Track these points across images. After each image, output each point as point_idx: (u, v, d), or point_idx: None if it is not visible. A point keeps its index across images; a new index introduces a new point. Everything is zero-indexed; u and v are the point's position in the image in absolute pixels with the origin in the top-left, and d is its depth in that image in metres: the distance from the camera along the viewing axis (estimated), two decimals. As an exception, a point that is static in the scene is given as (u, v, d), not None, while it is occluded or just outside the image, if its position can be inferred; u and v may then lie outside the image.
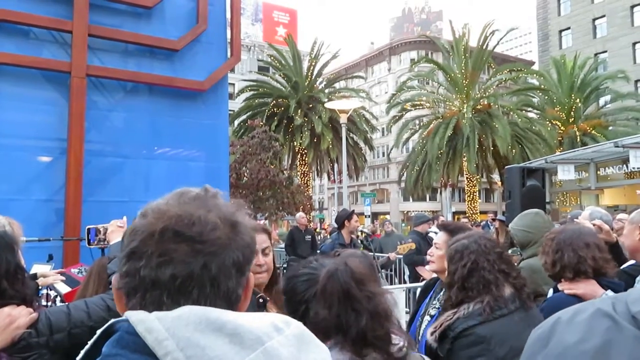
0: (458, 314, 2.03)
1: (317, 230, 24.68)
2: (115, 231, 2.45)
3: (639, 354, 0.68)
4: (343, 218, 6.81)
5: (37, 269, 2.86)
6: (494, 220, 11.03)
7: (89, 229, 2.92)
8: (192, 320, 0.72)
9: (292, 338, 0.77)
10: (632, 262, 2.79)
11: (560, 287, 2.38)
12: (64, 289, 2.60)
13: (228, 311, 0.76)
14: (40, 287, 2.59)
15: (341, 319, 1.41)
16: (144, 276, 0.77)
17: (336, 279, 1.44)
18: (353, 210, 7.08)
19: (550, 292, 2.54)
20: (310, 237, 10.80)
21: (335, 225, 7.81)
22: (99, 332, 0.77)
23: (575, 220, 4.00)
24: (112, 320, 0.77)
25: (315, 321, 1.41)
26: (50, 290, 2.63)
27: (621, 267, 2.78)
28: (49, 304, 2.61)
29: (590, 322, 0.73)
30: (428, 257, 2.81)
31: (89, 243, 2.92)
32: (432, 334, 2.07)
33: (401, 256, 7.38)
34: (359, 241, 7.30)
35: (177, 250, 0.77)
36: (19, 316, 1.68)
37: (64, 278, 2.66)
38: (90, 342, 0.77)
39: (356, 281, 1.44)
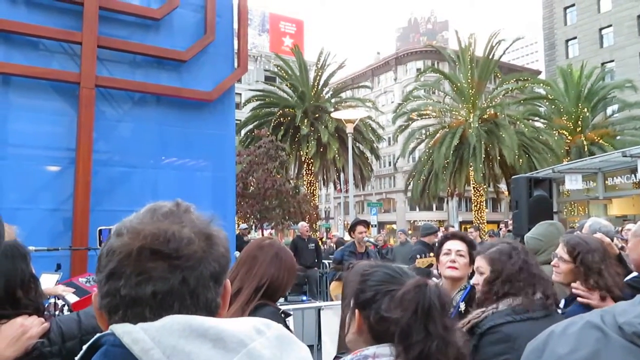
0: (486, 313, 2.05)
1: (323, 239, 24.63)
2: None
3: None
4: (350, 228, 6.82)
5: (45, 278, 2.88)
6: (508, 231, 10.99)
7: (100, 230, 2.96)
8: (176, 328, 0.74)
9: (273, 339, 0.79)
10: (635, 274, 2.76)
11: (575, 290, 2.40)
12: (72, 298, 2.61)
13: (210, 317, 0.79)
14: (47, 297, 2.60)
15: (410, 330, 1.33)
16: (125, 295, 0.78)
17: (423, 292, 1.37)
18: (359, 221, 7.03)
19: (562, 303, 2.51)
20: (313, 245, 10.88)
21: (340, 236, 7.81)
22: (85, 347, 0.78)
23: (577, 232, 3.96)
24: (98, 335, 0.78)
25: (384, 315, 1.37)
26: (59, 299, 2.64)
27: (624, 280, 2.75)
28: (57, 313, 2.62)
29: (580, 334, 0.78)
30: (451, 265, 2.78)
31: (100, 244, 2.94)
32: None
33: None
34: (376, 253, 7.24)
35: (156, 267, 0.78)
36: (32, 326, 1.70)
37: (73, 289, 2.67)
38: (77, 358, 0.78)
39: (441, 305, 1.37)
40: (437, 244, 3.08)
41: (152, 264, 0.79)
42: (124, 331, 0.74)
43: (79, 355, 0.78)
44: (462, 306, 2.52)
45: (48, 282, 2.80)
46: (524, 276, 2.09)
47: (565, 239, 2.58)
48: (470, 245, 2.89)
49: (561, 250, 2.53)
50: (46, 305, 2.55)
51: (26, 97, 4.80)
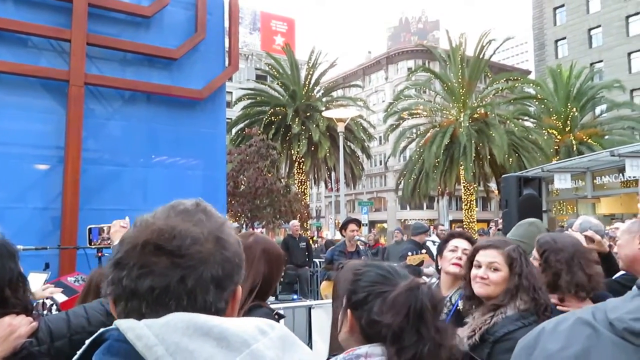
0: (495, 319, 2.05)
1: (314, 238, 24.64)
2: (119, 231, 2.48)
3: (617, 359, 0.71)
4: (341, 226, 6.83)
5: (33, 277, 2.86)
6: (498, 230, 11.05)
7: (90, 229, 2.94)
8: (180, 325, 0.74)
9: (276, 340, 0.80)
10: (622, 272, 2.76)
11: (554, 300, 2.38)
12: (61, 297, 2.60)
13: (214, 316, 0.79)
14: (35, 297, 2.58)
15: (403, 334, 1.33)
16: (125, 286, 0.80)
17: (415, 294, 1.37)
18: (350, 220, 7.04)
19: None
20: (305, 244, 10.88)
21: (330, 237, 7.83)
22: (88, 341, 0.79)
23: (567, 230, 3.92)
24: (102, 330, 0.79)
25: (376, 318, 1.36)
26: (47, 298, 2.62)
27: (613, 277, 2.76)
28: (46, 312, 2.60)
29: (571, 330, 0.78)
30: (456, 261, 2.77)
31: (90, 242, 2.92)
32: (469, 337, 2.05)
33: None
34: (366, 251, 7.24)
35: (158, 263, 0.79)
36: (20, 325, 1.69)
37: (61, 289, 2.65)
38: (79, 352, 0.79)
39: (433, 307, 1.38)
40: (442, 241, 3.09)
41: (155, 258, 0.79)
42: (128, 327, 0.74)
43: (82, 349, 0.79)
44: (461, 304, 2.53)
45: (36, 281, 2.78)
46: (532, 278, 2.11)
47: (538, 238, 2.58)
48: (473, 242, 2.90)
49: (534, 249, 2.54)
50: (35, 304, 2.53)
51: (14, 95, 4.75)
